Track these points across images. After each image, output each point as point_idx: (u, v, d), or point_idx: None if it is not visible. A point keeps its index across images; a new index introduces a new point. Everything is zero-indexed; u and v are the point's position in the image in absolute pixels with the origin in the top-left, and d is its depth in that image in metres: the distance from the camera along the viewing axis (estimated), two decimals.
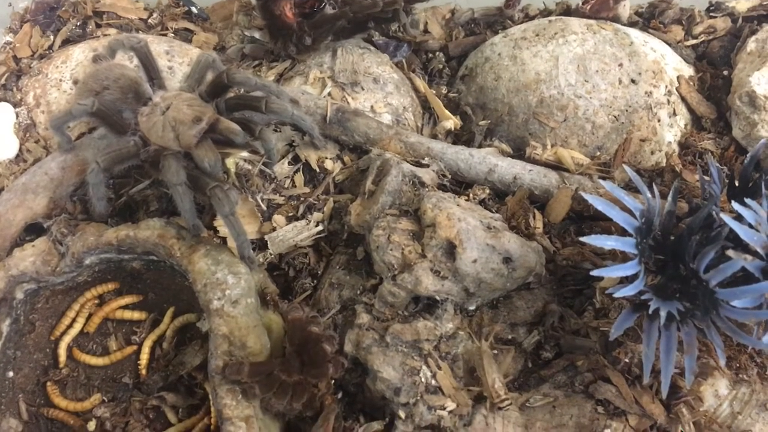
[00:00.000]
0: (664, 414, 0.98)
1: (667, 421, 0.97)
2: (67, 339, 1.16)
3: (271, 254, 1.17)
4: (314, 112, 1.26)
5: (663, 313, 0.88)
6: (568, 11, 1.54)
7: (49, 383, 1.14)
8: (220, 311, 1.01)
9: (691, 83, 1.38)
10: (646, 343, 0.90)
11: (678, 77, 1.37)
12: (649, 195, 0.96)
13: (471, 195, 1.21)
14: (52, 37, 1.53)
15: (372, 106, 1.34)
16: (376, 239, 1.08)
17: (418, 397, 1.00)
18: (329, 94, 1.33)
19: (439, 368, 1.02)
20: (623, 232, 0.94)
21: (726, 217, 0.85)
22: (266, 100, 1.11)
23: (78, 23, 1.54)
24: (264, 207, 1.19)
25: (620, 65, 1.32)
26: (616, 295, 0.88)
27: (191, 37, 1.57)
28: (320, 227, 1.19)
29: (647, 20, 1.52)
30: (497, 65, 1.38)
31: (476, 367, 1.02)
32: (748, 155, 1.04)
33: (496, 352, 1.06)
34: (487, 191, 1.22)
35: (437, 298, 1.05)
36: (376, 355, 1.02)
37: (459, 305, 1.07)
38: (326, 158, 1.26)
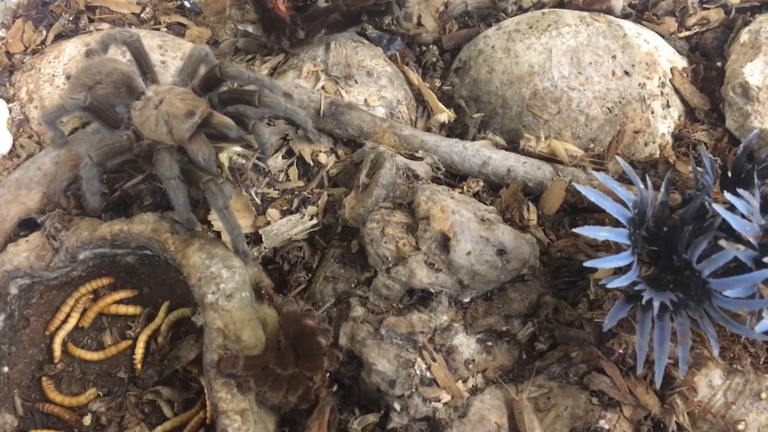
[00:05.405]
0: (658, 404, 0.98)
1: (662, 411, 0.98)
2: (61, 334, 1.16)
3: (265, 248, 1.16)
4: (308, 105, 1.26)
5: (656, 304, 0.88)
6: (561, 3, 1.53)
7: (44, 378, 1.14)
8: (214, 305, 1.01)
9: (685, 75, 1.38)
10: (639, 333, 0.90)
11: (671, 69, 1.37)
12: (642, 186, 0.97)
13: (465, 187, 1.21)
14: (44, 32, 1.52)
15: (365, 100, 1.33)
16: (371, 232, 1.08)
17: (413, 390, 1.00)
18: (323, 87, 1.32)
19: (434, 360, 1.02)
20: (616, 224, 0.94)
21: (718, 208, 0.86)
22: (259, 93, 1.11)
23: (70, 18, 1.53)
24: (258, 201, 1.19)
25: (613, 57, 1.32)
26: (610, 286, 0.88)
27: (184, 31, 1.57)
28: (314, 221, 1.19)
29: (640, 12, 1.52)
30: (491, 58, 1.38)
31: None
32: (741, 146, 1.04)
33: (493, 344, 1.07)
34: (481, 184, 1.22)
35: (431, 290, 1.05)
36: (370, 347, 1.02)
37: (453, 297, 1.07)
38: (320, 152, 1.26)
